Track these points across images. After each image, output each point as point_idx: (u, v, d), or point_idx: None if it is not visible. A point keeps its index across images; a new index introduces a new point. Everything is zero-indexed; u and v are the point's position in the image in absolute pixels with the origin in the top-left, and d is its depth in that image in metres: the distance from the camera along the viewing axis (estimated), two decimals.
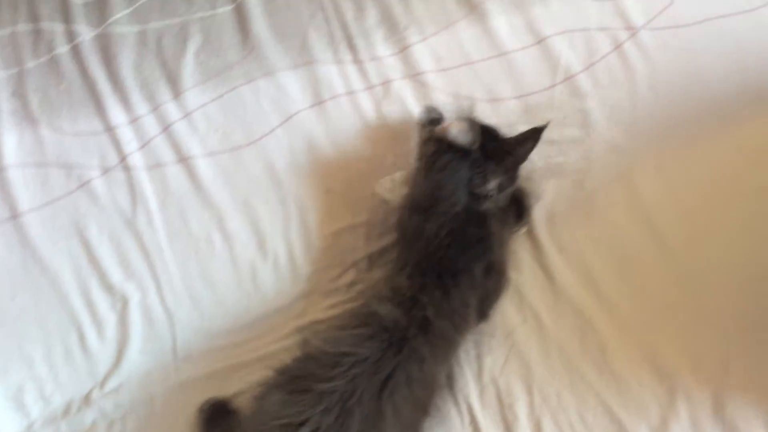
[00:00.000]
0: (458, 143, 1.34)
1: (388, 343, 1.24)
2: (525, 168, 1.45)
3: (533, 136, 1.38)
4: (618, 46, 1.64)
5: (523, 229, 1.51)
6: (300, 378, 1.24)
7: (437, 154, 1.37)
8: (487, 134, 1.38)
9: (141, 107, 1.64)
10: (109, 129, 1.62)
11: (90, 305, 1.49)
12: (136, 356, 1.46)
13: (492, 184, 1.36)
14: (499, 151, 1.38)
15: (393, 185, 1.52)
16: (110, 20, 1.72)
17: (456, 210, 1.35)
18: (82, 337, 1.48)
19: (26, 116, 1.64)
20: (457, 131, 1.34)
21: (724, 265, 1.45)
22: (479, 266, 1.37)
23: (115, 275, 1.51)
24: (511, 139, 1.40)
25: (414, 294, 1.30)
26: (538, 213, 1.52)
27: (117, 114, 1.63)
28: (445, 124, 1.35)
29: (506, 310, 1.45)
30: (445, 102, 1.60)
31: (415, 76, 1.64)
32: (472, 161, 1.35)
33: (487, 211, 1.39)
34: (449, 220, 1.35)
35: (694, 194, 1.51)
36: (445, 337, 1.32)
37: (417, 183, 1.42)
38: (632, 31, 1.65)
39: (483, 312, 1.41)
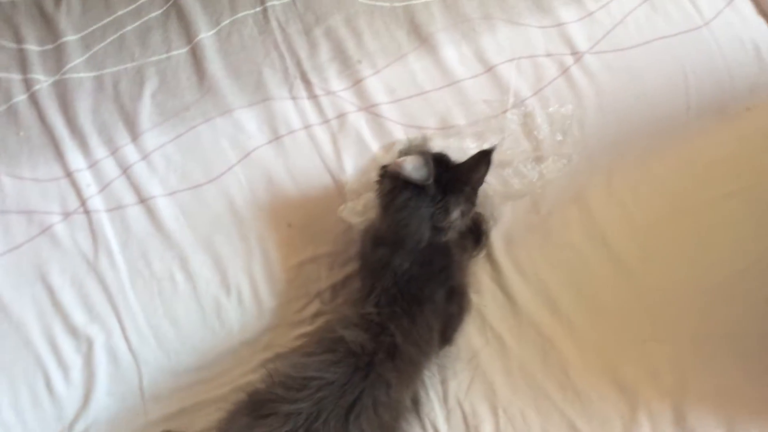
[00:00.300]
0: (413, 179, 1.32)
1: (355, 368, 1.25)
2: (481, 192, 1.47)
3: (484, 159, 1.36)
4: (565, 71, 1.68)
5: (482, 253, 1.53)
6: (266, 402, 1.25)
7: (395, 192, 1.35)
8: (439, 164, 1.37)
9: (100, 151, 1.65)
10: (69, 174, 1.63)
11: (55, 349, 1.49)
12: (103, 398, 1.46)
13: (454, 215, 1.36)
14: (455, 181, 1.36)
15: (356, 209, 1.54)
16: (67, 67, 1.74)
17: (421, 245, 1.36)
18: (48, 382, 1.47)
19: None
20: (410, 167, 1.31)
21: (678, 279, 1.48)
22: (441, 292, 1.38)
23: (79, 318, 1.51)
24: (463, 165, 1.38)
25: (381, 321, 1.31)
26: (496, 236, 1.54)
27: (76, 158, 1.65)
28: (398, 160, 1.32)
29: (469, 332, 1.46)
30: (400, 134, 1.64)
31: (369, 108, 1.67)
32: (432, 196, 1.34)
33: (450, 240, 1.40)
34: (414, 254, 1.36)
35: (646, 211, 1.55)
36: (412, 362, 1.34)
37: (379, 219, 1.42)
38: (578, 55, 1.69)
39: (447, 336, 1.43)
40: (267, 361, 1.45)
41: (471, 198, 1.40)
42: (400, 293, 1.35)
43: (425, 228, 1.34)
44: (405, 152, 1.50)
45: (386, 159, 1.58)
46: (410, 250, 1.36)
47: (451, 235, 1.39)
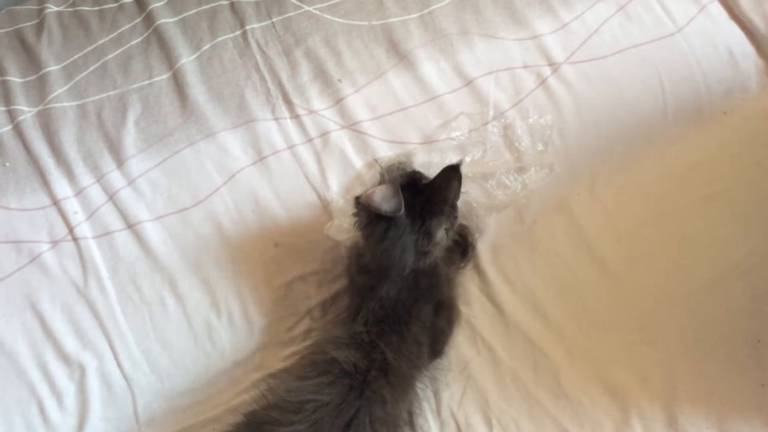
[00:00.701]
0: (384, 211, 1.28)
1: (350, 387, 1.26)
2: (466, 203, 1.49)
3: (454, 174, 1.32)
4: (543, 82, 1.70)
5: (470, 264, 1.54)
6: (263, 424, 1.25)
7: (372, 224, 1.33)
8: (412, 186, 1.34)
9: (86, 179, 1.66)
10: (56, 202, 1.63)
11: (48, 377, 1.49)
12: (98, 424, 1.46)
13: (438, 235, 1.34)
14: (432, 202, 1.33)
15: (342, 226, 1.55)
16: (50, 97, 1.75)
17: (406, 272, 1.36)
18: (42, 410, 1.47)
19: None
20: (379, 199, 1.28)
21: (664, 282, 1.49)
22: (428, 309, 1.39)
23: (71, 345, 1.51)
24: (435, 184, 1.34)
25: (371, 339, 1.32)
26: (483, 247, 1.56)
27: (62, 187, 1.65)
28: (368, 192, 1.28)
29: (460, 343, 1.47)
30: (384, 151, 1.66)
31: (351, 126, 1.69)
32: (411, 222, 1.32)
33: (436, 258, 1.40)
34: (401, 279, 1.36)
35: (629, 216, 1.57)
36: (404, 377, 1.34)
37: (362, 249, 1.41)
38: (554, 66, 1.72)
39: (437, 349, 1.43)
40: (260, 381, 1.44)
41: (452, 214, 1.37)
42: (387, 315, 1.35)
43: (409, 255, 1.33)
44: (387, 169, 1.50)
45: (369, 175, 1.60)
46: (396, 278, 1.36)
47: (436, 255, 1.39)
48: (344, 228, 1.54)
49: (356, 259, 1.43)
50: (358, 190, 1.48)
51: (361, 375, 1.27)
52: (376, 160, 1.62)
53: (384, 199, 1.28)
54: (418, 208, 1.32)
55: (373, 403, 1.26)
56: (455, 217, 1.39)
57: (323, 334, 1.46)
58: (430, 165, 1.57)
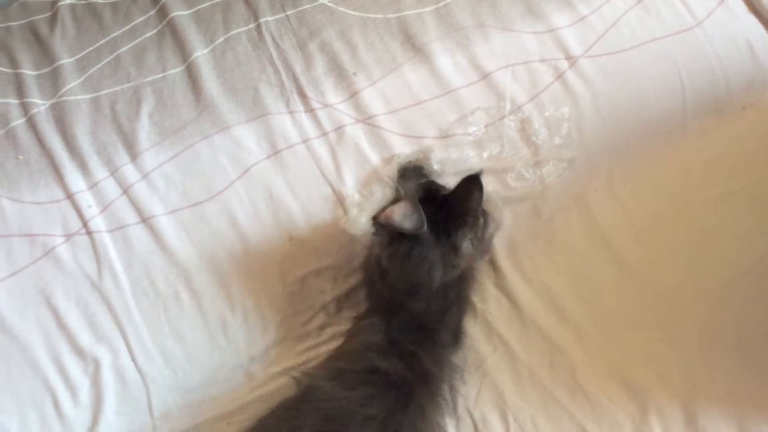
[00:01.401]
0: (407, 230, 1.25)
1: (395, 401, 1.24)
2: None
3: (474, 184, 1.28)
4: (560, 76, 1.69)
5: (486, 259, 1.53)
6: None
7: (395, 243, 1.29)
8: (431, 199, 1.31)
9: (100, 172, 1.65)
10: (70, 196, 1.63)
11: (62, 371, 1.49)
12: (112, 418, 1.46)
13: (465, 247, 1.32)
14: (454, 215, 1.31)
15: (358, 220, 1.55)
16: (63, 90, 1.74)
17: (436, 286, 1.33)
18: (56, 404, 1.47)
19: None
20: (400, 217, 1.23)
21: (683, 279, 1.48)
22: (457, 311, 1.40)
23: (85, 339, 1.51)
24: (456, 195, 1.31)
25: (411, 349, 1.30)
26: (499, 242, 1.54)
27: (76, 180, 1.65)
28: (386, 211, 1.24)
29: (476, 340, 1.46)
30: (399, 145, 1.65)
31: (367, 119, 1.67)
32: (436, 237, 1.28)
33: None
34: (431, 292, 1.34)
35: (647, 212, 1.55)
36: (440, 384, 1.33)
37: (386, 267, 1.34)
38: (572, 60, 1.70)
39: (456, 339, 1.42)
40: (279, 374, 1.45)
41: (475, 223, 1.34)
42: (419, 325, 1.34)
43: (437, 271, 1.31)
44: (404, 168, 1.50)
45: (386, 171, 1.59)
46: (427, 293, 1.34)
47: (464, 265, 1.37)
48: (360, 222, 1.53)
49: (380, 277, 1.39)
50: (375, 186, 1.48)
51: (407, 387, 1.26)
52: (394, 157, 1.61)
53: (405, 216, 1.24)
54: (441, 222, 1.29)
55: (416, 415, 1.26)
56: (478, 226, 1.36)
57: (356, 339, 1.41)
58: (447, 161, 1.57)
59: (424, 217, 1.24)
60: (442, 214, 1.29)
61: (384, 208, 1.27)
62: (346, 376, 1.30)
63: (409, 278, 1.31)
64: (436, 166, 1.56)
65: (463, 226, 1.31)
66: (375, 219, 1.31)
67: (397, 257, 1.30)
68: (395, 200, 1.30)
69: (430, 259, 1.29)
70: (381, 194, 1.56)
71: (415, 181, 1.40)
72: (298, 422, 1.23)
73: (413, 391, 1.26)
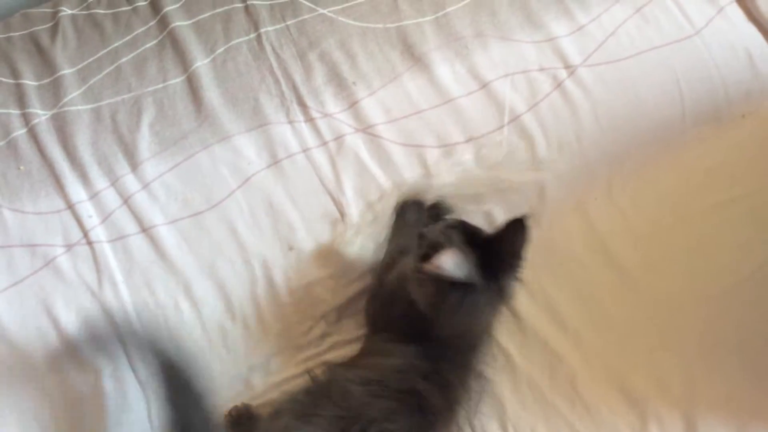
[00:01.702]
0: (459, 279, 1.18)
1: (418, 424, 1.25)
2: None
3: (521, 228, 1.24)
4: (559, 85, 1.69)
5: None
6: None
7: (442, 294, 1.23)
8: (474, 243, 1.25)
9: (100, 182, 1.65)
10: (71, 206, 1.63)
11: (63, 381, 1.48)
12: (112, 429, 1.45)
13: (509, 288, 1.30)
14: (502, 261, 1.26)
15: (353, 241, 1.55)
16: (64, 100, 1.74)
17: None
18: (56, 414, 1.46)
19: None
20: (451, 266, 1.17)
21: (683, 287, 1.48)
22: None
23: (85, 349, 1.50)
24: (500, 239, 1.26)
25: (451, 378, 1.30)
26: None
27: (77, 190, 1.65)
28: (434, 261, 1.17)
29: None
30: (399, 154, 1.65)
31: (366, 129, 1.68)
32: (487, 287, 1.23)
33: None
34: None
35: (646, 220, 1.55)
36: (460, 411, 1.35)
37: (431, 318, 1.27)
38: (571, 69, 1.71)
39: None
40: (279, 384, 1.46)
41: (519, 264, 1.28)
42: (446, 348, 1.32)
43: (486, 316, 1.32)
44: (404, 201, 1.51)
45: (381, 205, 1.59)
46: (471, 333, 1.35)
47: None
48: (355, 244, 1.54)
49: (409, 307, 1.31)
50: (375, 207, 1.53)
51: (433, 415, 1.27)
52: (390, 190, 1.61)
53: (456, 266, 1.18)
54: (489, 267, 1.23)
55: None
56: (522, 267, 1.29)
57: (393, 359, 1.33)
58: (447, 186, 1.59)
59: (475, 266, 1.20)
60: (487, 258, 1.23)
61: (425, 256, 1.22)
62: (377, 386, 1.28)
63: (458, 326, 1.29)
64: (436, 195, 1.56)
65: (509, 269, 1.27)
66: (419, 270, 1.24)
67: (447, 307, 1.25)
68: (433, 245, 1.23)
69: (480, 307, 1.28)
70: (380, 218, 1.56)
71: (415, 215, 1.44)
72: (314, 410, 1.25)
73: (437, 419, 1.27)
